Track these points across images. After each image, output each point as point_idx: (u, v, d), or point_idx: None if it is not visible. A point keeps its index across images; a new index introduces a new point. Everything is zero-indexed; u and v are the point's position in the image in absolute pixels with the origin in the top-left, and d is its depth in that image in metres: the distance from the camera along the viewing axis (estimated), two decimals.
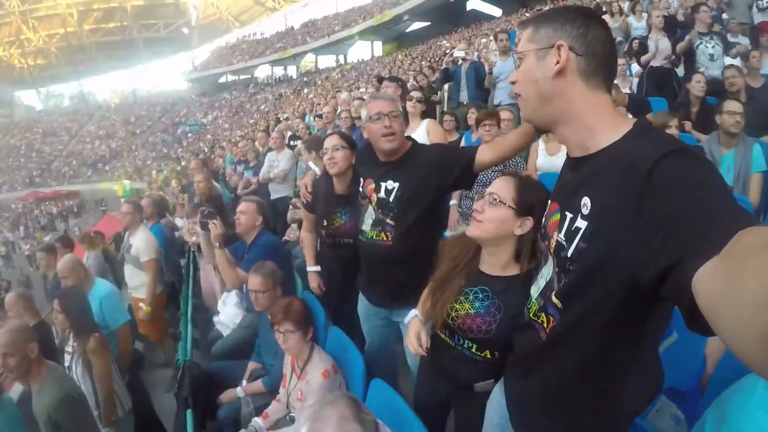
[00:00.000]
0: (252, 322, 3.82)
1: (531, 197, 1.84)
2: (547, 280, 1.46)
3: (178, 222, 7.54)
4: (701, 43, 6.36)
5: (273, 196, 7.21)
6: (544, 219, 1.55)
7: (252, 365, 3.53)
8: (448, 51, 17.05)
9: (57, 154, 55.37)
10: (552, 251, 1.41)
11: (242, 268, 3.56)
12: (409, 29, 45.23)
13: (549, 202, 1.53)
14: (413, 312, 2.17)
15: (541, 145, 4.89)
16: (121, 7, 68.20)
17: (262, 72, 58.88)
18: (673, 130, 4.40)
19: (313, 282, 3.63)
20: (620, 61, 6.93)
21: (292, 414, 2.91)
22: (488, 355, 1.94)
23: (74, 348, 3.43)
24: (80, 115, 65.15)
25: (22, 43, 68.11)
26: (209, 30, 71.85)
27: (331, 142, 3.25)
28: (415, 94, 4.90)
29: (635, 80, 7.20)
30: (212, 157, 22.23)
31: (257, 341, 3.59)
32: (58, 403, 2.80)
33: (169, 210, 9.03)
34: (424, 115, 4.92)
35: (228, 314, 4.11)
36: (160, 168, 33.99)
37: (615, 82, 6.41)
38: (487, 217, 1.87)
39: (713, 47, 6.30)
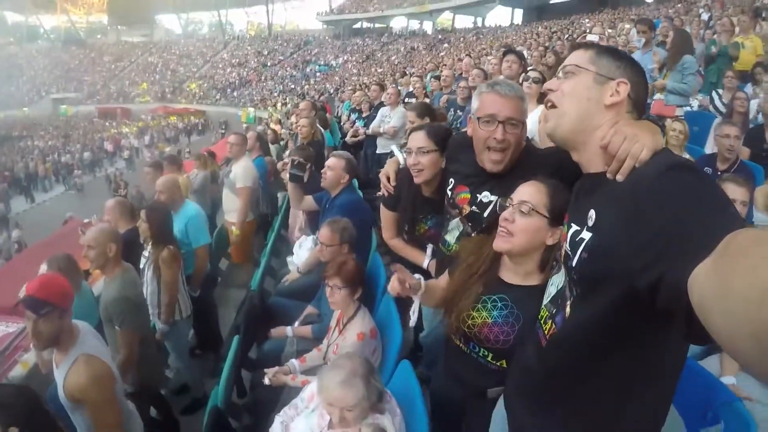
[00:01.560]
0: (321, 269, 3.88)
1: (562, 204, 1.68)
2: (559, 288, 1.49)
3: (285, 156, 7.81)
4: None
5: (379, 150, 7.30)
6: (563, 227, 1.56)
7: (309, 309, 3.66)
8: (587, 31, 16.27)
9: (190, 75, 58.86)
10: (562, 261, 1.47)
11: (321, 221, 3.64)
12: (553, 1, 43.34)
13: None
14: (419, 276, 2.04)
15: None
16: None
17: (398, 23, 58.70)
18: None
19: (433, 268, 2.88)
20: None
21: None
22: (504, 365, 1.85)
23: (150, 254, 3.79)
24: (216, 43, 68.34)
25: None
26: None
27: (417, 142, 2.65)
28: (532, 74, 4.55)
29: None
30: (336, 98, 22.67)
31: (321, 289, 3.65)
32: (115, 301, 3.15)
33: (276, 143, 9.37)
34: (542, 97, 4.65)
35: (301, 257, 4.27)
36: (285, 101, 34.99)
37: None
38: (519, 228, 1.75)
39: None
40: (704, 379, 2.10)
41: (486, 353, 1.89)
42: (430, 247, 2.88)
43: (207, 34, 75.68)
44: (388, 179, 2.98)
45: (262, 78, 52.76)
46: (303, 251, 4.31)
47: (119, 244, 3.25)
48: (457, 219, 2.37)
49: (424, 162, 2.62)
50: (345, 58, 51.18)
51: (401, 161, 3.01)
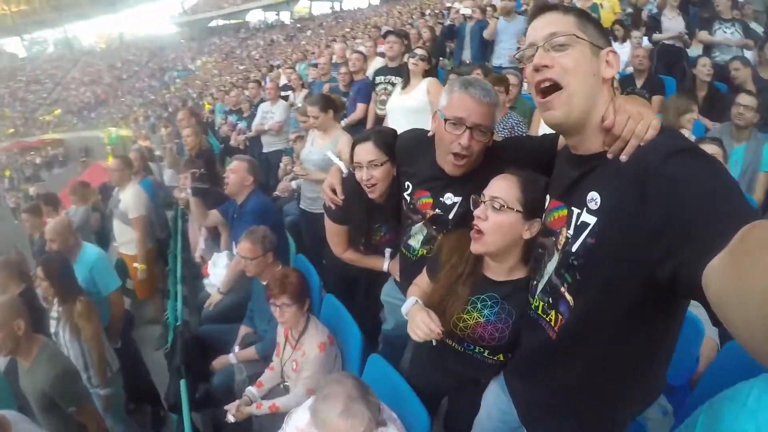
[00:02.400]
0: (244, 286, 3.69)
1: (538, 195, 1.63)
2: (550, 276, 1.44)
3: (166, 173, 7.34)
4: (720, 28, 6.25)
5: (266, 149, 7.05)
6: (543, 215, 1.54)
7: (244, 329, 3.46)
8: (448, 4, 16.63)
9: (41, 102, 53.86)
10: (560, 247, 1.39)
11: (232, 234, 3.42)
12: None
13: (548, 196, 1.53)
14: (412, 299, 1.90)
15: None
16: None
17: (254, 17, 57.44)
18: (693, 115, 4.33)
19: (394, 270, 2.72)
20: (635, 33, 6.93)
21: (285, 383, 2.86)
22: (502, 358, 1.82)
23: (60, 313, 3.33)
24: (65, 62, 63.14)
25: None
26: None
27: (366, 155, 2.41)
28: (419, 51, 4.58)
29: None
30: (200, 103, 21.81)
31: (250, 305, 3.50)
32: (55, 380, 2.73)
33: (154, 160, 8.82)
34: (426, 73, 4.63)
35: (218, 276, 3.96)
36: (147, 114, 33.27)
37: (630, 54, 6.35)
38: (492, 225, 1.68)
39: (732, 33, 6.18)
40: None
41: (482, 350, 1.84)
42: (388, 251, 2.73)
43: (54, 53, 69.79)
44: (334, 191, 2.65)
45: (119, 93, 49.76)
46: (219, 269, 3.99)
47: (26, 316, 2.79)
48: (420, 224, 2.24)
49: (377, 175, 2.41)
50: (204, 59, 49.39)
51: (344, 170, 2.73)
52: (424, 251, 2.24)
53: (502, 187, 1.69)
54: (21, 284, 3.72)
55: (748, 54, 6.01)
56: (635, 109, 1.25)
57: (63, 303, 3.31)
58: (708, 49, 6.35)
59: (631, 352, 1.30)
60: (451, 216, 2.11)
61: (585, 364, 1.37)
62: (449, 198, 2.10)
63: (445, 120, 1.92)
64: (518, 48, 6.64)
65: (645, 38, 7.05)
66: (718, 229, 0.90)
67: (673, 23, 6.65)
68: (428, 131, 2.14)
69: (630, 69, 5.97)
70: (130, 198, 5.13)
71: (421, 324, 1.72)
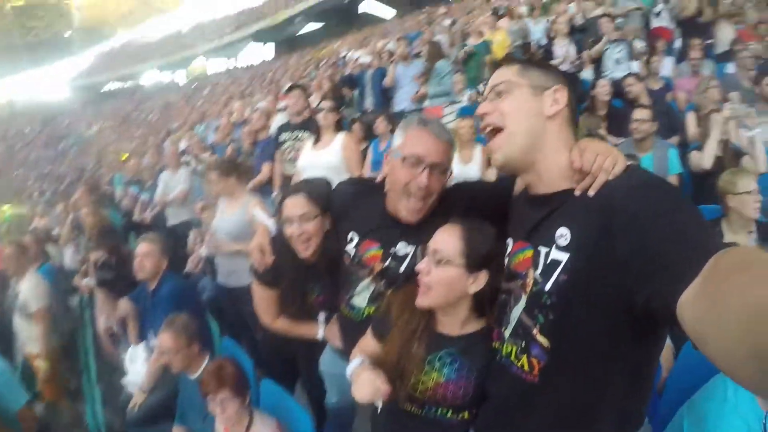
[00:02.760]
0: (169, 380, 3.31)
1: (482, 246, 1.57)
2: (519, 318, 1.41)
3: (66, 254, 6.74)
4: (608, 48, 6.78)
5: (171, 222, 6.64)
6: (507, 259, 1.50)
7: (177, 429, 3.08)
8: (344, 54, 16.86)
9: None
10: (528, 289, 1.37)
11: (147, 323, 3.10)
12: (301, 31, 44.64)
13: (508, 240, 1.52)
14: (357, 359, 1.76)
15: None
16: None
17: (149, 78, 56.27)
18: (600, 132, 4.59)
19: (330, 337, 2.47)
20: None
21: None
22: (467, 416, 1.67)
23: None
24: None
25: None
26: (92, 34, 67.45)
27: (298, 208, 2.28)
28: (326, 104, 4.50)
29: None
30: (99, 173, 20.85)
31: (179, 402, 3.13)
32: None
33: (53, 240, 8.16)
34: (337, 125, 4.54)
35: (138, 373, 3.55)
36: (43, 189, 31.52)
37: None
38: (435, 280, 1.59)
39: (619, 52, 6.71)
40: None
41: (445, 411, 1.68)
42: (322, 316, 2.51)
43: None
44: (263, 252, 2.45)
45: (11, 166, 47.09)
46: (138, 365, 3.58)
47: None
48: (366, 280, 2.01)
49: (310, 230, 2.28)
50: (99, 125, 47.64)
51: (271, 228, 2.60)
52: (371, 310, 2.01)
53: (444, 240, 1.61)
54: None
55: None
56: (602, 147, 1.31)
57: None
58: (598, 69, 6.86)
59: (615, 381, 1.29)
60: (402, 269, 1.93)
61: (568, 400, 1.33)
62: (402, 248, 1.93)
63: (403, 159, 1.79)
64: (417, 91, 6.87)
65: None
66: (686, 260, 0.93)
67: (564, 51, 7.17)
68: (370, 179, 2.05)
69: None
70: (29, 289, 4.61)
71: (366, 383, 1.61)
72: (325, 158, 4.23)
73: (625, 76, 5.83)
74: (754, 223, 3.16)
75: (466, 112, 6.34)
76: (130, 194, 8.28)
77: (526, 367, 1.37)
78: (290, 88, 5.51)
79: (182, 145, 9.25)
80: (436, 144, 1.79)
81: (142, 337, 3.68)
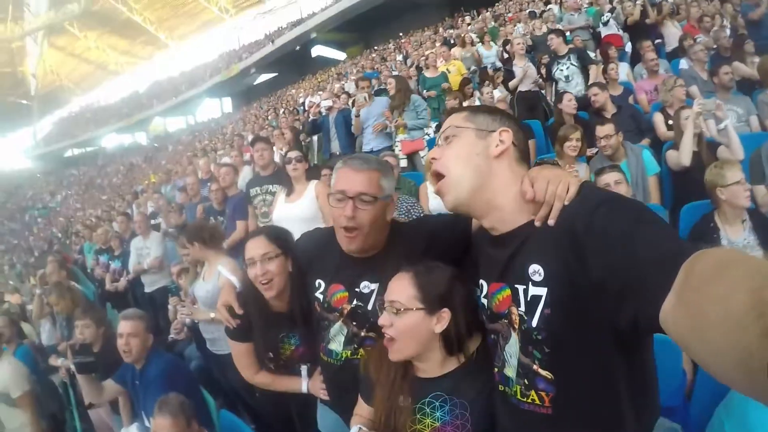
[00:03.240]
0: None
1: (436, 286, 1.59)
2: (518, 357, 1.39)
3: (44, 330, 6.46)
4: (557, 68, 6.85)
5: (148, 289, 6.50)
6: (486, 300, 1.49)
7: None
8: (302, 99, 16.96)
9: None
10: (516, 326, 1.37)
11: (138, 405, 3.01)
12: (256, 82, 45.01)
13: (482, 282, 1.51)
14: (355, 428, 1.76)
15: (429, 187, 4.69)
16: None
17: (110, 142, 55.97)
18: (573, 143, 4.50)
19: (314, 389, 2.40)
20: (485, 89, 7.36)
21: None
22: None
23: None
24: None
25: None
26: (50, 100, 66.90)
27: (258, 249, 2.30)
28: (293, 154, 4.42)
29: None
30: (67, 242, 20.44)
31: None
32: None
33: (27, 319, 7.89)
34: (309, 174, 4.51)
35: None
36: (12, 263, 30.73)
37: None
38: (399, 330, 1.60)
39: (567, 68, 6.77)
40: None
41: None
42: (304, 369, 2.45)
43: None
44: (230, 309, 2.44)
45: None
46: None
47: None
48: (338, 323, 2.02)
49: (272, 269, 2.27)
50: (64, 193, 46.95)
51: (236, 283, 2.57)
52: (348, 353, 2.01)
53: (396, 289, 1.63)
54: None
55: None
56: (551, 173, 1.32)
57: None
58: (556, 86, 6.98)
59: (623, 386, 1.27)
60: (370, 306, 1.94)
61: (587, 417, 1.31)
62: (366, 287, 1.96)
63: (332, 198, 1.88)
64: (390, 123, 6.75)
65: (496, 91, 7.58)
66: (660, 270, 0.93)
67: (522, 71, 7.20)
68: (330, 226, 2.04)
69: None
70: (7, 375, 4.34)
71: None
72: (298, 210, 4.16)
73: (590, 86, 5.86)
74: (746, 211, 3.24)
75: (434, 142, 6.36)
76: (102, 263, 8.13)
77: (537, 401, 1.36)
78: (254, 141, 5.48)
79: (150, 208, 9.15)
80: (358, 175, 1.85)
81: (133, 417, 3.50)
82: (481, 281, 1.52)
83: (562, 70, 6.79)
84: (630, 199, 1.23)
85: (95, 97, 63.11)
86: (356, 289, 1.97)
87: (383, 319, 1.63)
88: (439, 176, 1.44)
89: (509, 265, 1.38)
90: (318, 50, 39.83)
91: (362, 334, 1.97)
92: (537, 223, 1.30)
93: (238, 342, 2.51)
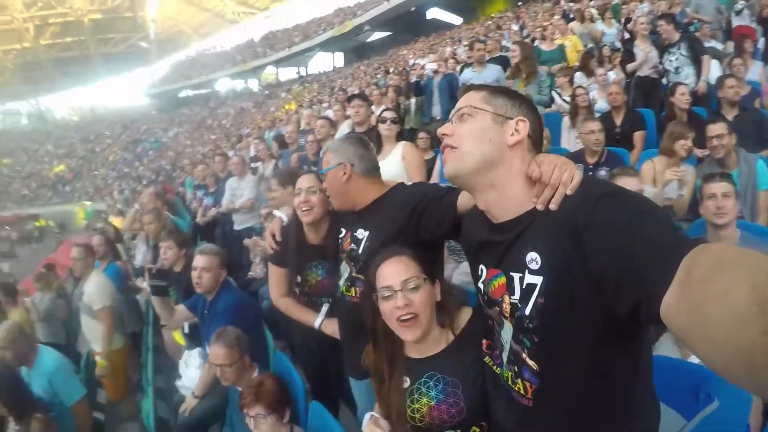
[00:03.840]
0: (221, 388, 3.29)
1: (425, 260, 1.79)
2: (510, 345, 1.42)
3: (139, 251, 6.89)
4: (666, 57, 6.23)
5: (237, 227, 6.73)
6: (482, 286, 1.52)
7: None
8: (412, 61, 16.83)
9: (15, 176, 53.26)
10: (507, 315, 1.40)
11: (204, 333, 3.20)
12: (369, 39, 45.17)
13: (481, 267, 1.53)
14: (368, 414, 1.91)
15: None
16: (78, 21, 66.20)
17: (223, 86, 58.23)
18: (687, 143, 4.10)
19: (329, 329, 2.77)
20: (599, 70, 6.81)
21: None
22: (476, 429, 1.72)
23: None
24: (38, 134, 62.93)
25: None
26: (168, 44, 70.51)
27: (306, 182, 2.70)
28: (388, 114, 4.48)
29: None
30: (173, 174, 21.60)
31: (228, 412, 3.16)
32: None
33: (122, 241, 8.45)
34: (399, 136, 4.51)
35: (191, 378, 3.59)
36: (122, 188, 32.95)
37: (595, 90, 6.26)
38: (418, 307, 1.71)
39: (676, 58, 6.11)
40: (680, 366, 2.16)
41: None
42: (325, 306, 2.83)
43: (27, 125, 69.11)
44: (273, 237, 2.95)
45: (93, 167, 49.48)
46: (192, 370, 3.63)
47: None
48: (344, 262, 2.38)
49: (313, 200, 2.68)
50: (175, 130, 49.61)
51: (284, 219, 3.00)
52: (344, 289, 2.38)
53: (402, 269, 1.74)
54: None
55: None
56: (560, 160, 1.33)
57: (18, 421, 3.11)
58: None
59: (609, 389, 1.28)
60: (360, 250, 2.26)
61: (563, 420, 1.34)
62: (360, 232, 2.28)
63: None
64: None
65: (611, 72, 7.01)
66: (661, 264, 0.93)
67: (643, 54, 6.56)
68: None
69: (606, 106, 5.85)
70: (93, 289, 4.75)
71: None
72: (385, 168, 4.14)
73: (723, 78, 5.18)
74: None
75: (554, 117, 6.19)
76: (197, 197, 8.53)
77: (521, 391, 1.39)
78: (351, 97, 5.49)
79: (252, 152, 9.43)
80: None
81: (198, 343, 3.73)
82: (481, 266, 1.53)
83: (671, 60, 6.13)
84: (633, 193, 1.20)
85: (211, 43, 65.51)
86: (354, 234, 2.30)
87: (400, 302, 1.70)
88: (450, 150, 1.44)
89: (507, 252, 1.39)
90: (433, 12, 39.43)
91: (353, 274, 2.30)
92: (539, 207, 1.31)
93: (274, 266, 2.98)
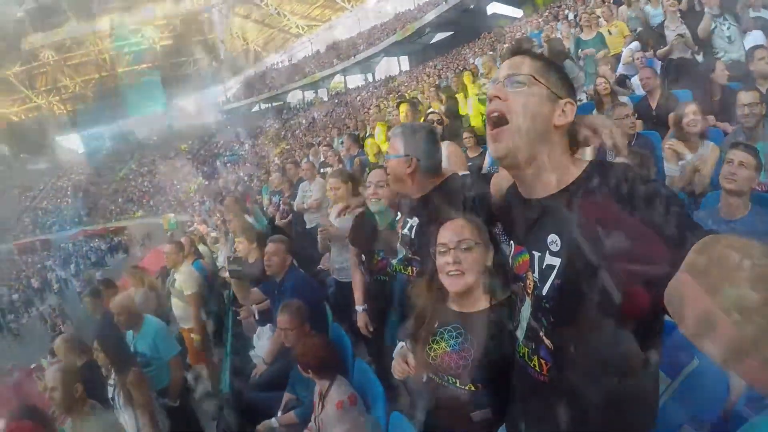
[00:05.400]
0: (285, 355, 3.92)
1: (485, 228, 1.96)
2: (528, 321, 1.46)
3: (222, 255, 7.72)
4: (716, 26, 5.94)
5: (308, 225, 7.34)
6: (510, 260, 1.58)
7: (287, 396, 3.66)
8: (472, 60, 16.93)
9: (103, 193, 56.83)
10: (530, 292, 1.43)
11: (274, 310, 3.81)
12: (432, 41, 45.14)
13: (511, 242, 1.59)
14: (400, 344, 2.24)
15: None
16: (151, 48, 69.93)
17: (294, 97, 59.57)
18: (689, 117, 4.07)
19: (360, 321, 3.55)
20: (637, 54, 6.72)
21: None
22: (472, 387, 1.92)
23: (116, 381, 3.73)
24: (122, 154, 66.42)
25: (60, 90, 70.14)
26: (238, 61, 72.76)
27: (377, 176, 3.14)
28: (433, 116, 4.88)
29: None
30: (251, 184, 22.62)
31: (291, 373, 3.71)
32: None
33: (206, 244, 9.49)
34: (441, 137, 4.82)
35: (263, 348, 4.31)
36: (203, 199, 34.61)
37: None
38: (469, 264, 1.90)
39: (728, 28, 5.87)
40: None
41: (453, 380, 1.96)
42: (362, 307, 3.54)
43: (111, 147, 73.12)
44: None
45: (175, 181, 51.96)
46: (263, 341, 4.37)
47: (83, 382, 3.23)
48: (398, 244, 2.71)
49: (381, 193, 3.08)
50: (250, 142, 51.27)
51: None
52: (400, 267, 2.74)
53: (458, 231, 1.94)
54: (83, 357, 4.17)
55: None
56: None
57: (118, 372, 3.72)
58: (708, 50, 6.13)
59: (620, 374, 1.30)
60: (413, 235, 2.59)
61: (578, 397, 1.33)
62: (414, 220, 2.60)
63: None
64: None
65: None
66: (671, 249, 0.97)
67: (674, 34, 6.33)
68: None
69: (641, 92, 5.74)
70: (184, 277, 5.74)
71: (395, 365, 2.14)
72: None
73: (753, 48, 4.98)
74: None
75: (589, 107, 6.10)
76: (273, 203, 9.29)
77: (537, 368, 1.43)
78: (399, 103, 5.91)
79: (321, 158, 10.06)
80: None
81: (270, 320, 4.39)
82: (511, 241, 1.59)
83: (723, 30, 5.87)
84: (651, 180, 1.22)
85: (279, 58, 66.93)
86: (407, 219, 2.63)
87: (449, 258, 1.90)
88: (498, 121, 1.37)
89: (530, 231, 1.42)
90: (494, 7, 38.87)
91: (409, 255, 2.64)
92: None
93: (352, 245, 3.63)
